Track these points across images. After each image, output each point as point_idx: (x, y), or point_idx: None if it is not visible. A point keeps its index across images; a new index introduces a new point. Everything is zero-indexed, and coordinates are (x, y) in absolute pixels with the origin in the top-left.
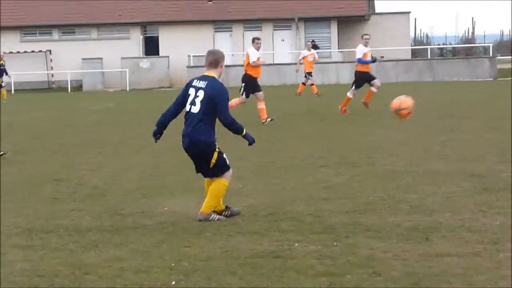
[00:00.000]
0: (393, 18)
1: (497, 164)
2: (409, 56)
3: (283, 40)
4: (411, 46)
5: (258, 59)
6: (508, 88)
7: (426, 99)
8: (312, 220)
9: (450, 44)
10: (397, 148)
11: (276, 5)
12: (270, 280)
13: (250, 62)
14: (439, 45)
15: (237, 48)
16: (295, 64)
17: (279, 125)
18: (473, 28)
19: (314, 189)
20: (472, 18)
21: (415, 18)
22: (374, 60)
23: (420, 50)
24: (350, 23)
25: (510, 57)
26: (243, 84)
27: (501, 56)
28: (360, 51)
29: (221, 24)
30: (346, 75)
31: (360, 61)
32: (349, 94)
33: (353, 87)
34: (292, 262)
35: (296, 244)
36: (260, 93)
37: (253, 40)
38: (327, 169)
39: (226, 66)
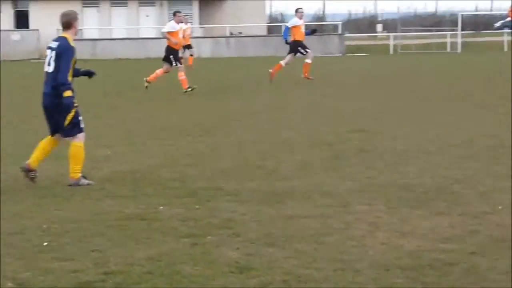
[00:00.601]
0: None
1: (345, 133)
2: (265, 33)
3: (148, 16)
4: (267, 23)
5: (172, 33)
6: (355, 62)
7: (279, 72)
8: (176, 185)
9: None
10: (252, 118)
11: None
12: (137, 241)
13: (161, 32)
14: None
15: (104, 23)
16: (160, 38)
17: (142, 96)
18: (324, 7)
19: (178, 156)
20: None
21: None
22: (314, 30)
23: (275, 27)
24: (211, 0)
25: (357, 34)
26: (169, 55)
27: (348, 33)
28: (292, 23)
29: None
30: (207, 50)
31: (285, 31)
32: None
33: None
34: (157, 224)
35: (161, 207)
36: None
37: (174, 13)
38: (189, 137)
39: (94, 39)
